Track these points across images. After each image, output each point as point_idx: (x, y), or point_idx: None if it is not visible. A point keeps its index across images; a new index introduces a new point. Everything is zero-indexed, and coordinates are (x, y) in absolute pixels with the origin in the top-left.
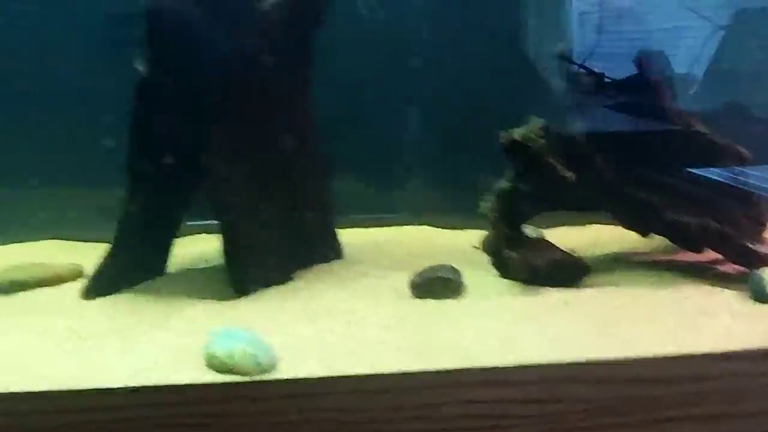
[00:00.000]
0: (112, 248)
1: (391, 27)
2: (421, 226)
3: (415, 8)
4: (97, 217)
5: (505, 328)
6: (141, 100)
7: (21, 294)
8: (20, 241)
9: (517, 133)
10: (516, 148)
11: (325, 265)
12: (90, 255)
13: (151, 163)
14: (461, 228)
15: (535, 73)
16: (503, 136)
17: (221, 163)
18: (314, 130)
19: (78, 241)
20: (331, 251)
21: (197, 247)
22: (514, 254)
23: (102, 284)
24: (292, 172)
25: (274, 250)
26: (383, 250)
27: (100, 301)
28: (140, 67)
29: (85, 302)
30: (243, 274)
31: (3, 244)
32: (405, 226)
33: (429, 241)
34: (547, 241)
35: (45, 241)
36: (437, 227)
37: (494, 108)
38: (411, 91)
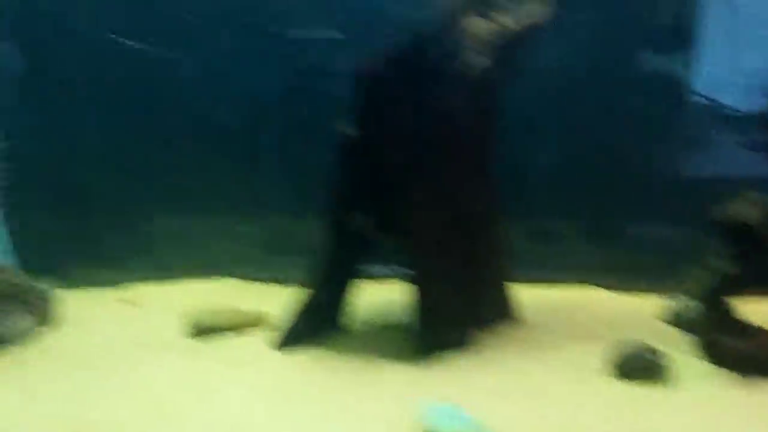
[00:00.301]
0: (302, 300)
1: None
2: (586, 285)
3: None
4: (263, 254)
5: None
6: (344, 158)
7: (213, 339)
8: (194, 276)
9: (737, 211)
10: (736, 228)
11: (502, 327)
12: (266, 298)
13: (349, 218)
14: (630, 291)
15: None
16: (721, 214)
17: (423, 224)
18: (495, 185)
19: (247, 279)
20: (505, 312)
21: (375, 296)
22: (726, 339)
23: (291, 336)
24: (476, 229)
25: (460, 311)
26: (557, 313)
27: (291, 355)
28: (345, 128)
29: (276, 353)
30: (433, 339)
31: (178, 280)
32: (570, 286)
33: (602, 307)
34: (760, 326)
35: (219, 280)
36: (604, 289)
37: (664, 158)
38: (570, 143)
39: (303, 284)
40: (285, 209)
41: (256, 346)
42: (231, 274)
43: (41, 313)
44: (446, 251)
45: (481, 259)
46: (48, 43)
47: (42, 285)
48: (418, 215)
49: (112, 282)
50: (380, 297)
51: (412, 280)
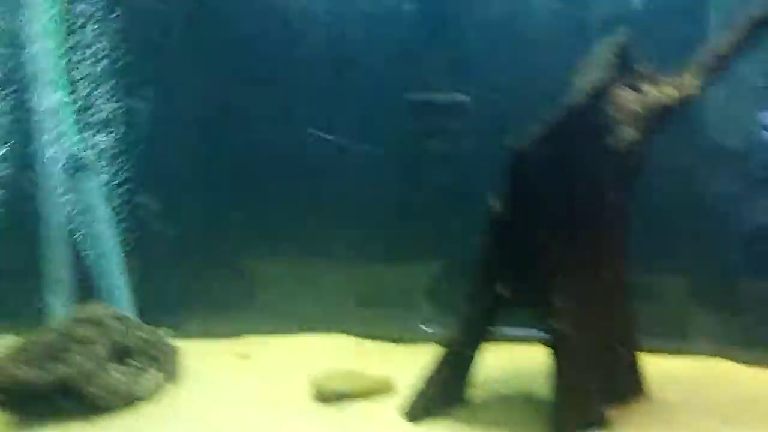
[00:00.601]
0: (433, 367)
1: None
2: (713, 358)
3: None
4: (374, 310)
5: None
6: (491, 233)
7: (341, 405)
8: (306, 330)
9: None
10: None
11: (635, 405)
12: (384, 359)
13: (487, 292)
14: (761, 364)
15: None
16: None
17: (567, 297)
18: (627, 254)
19: (358, 334)
20: (636, 387)
21: (505, 361)
22: None
23: (421, 407)
24: (612, 302)
25: (599, 387)
26: (690, 389)
27: (422, 426)
28: (495, 204)
29: (408, 425)
30: (571, 416)
31: (290, 334)
32: (696, 357)
33: (737, 383)
34: None
35: (331, 335)
36: (734, 361)
37: None
38: (690, 196)
39: (432, 348)
40: (402, 268)
41: (387, 415)
42: (343, 329)
43: (167, 369)
44: (588, 325)
45: (618, 331)
46: (178, 97)
47: (164, 338)
48: (563, 287)
49: (223, 333)
50: (510, 362)
51: (552, 353)
